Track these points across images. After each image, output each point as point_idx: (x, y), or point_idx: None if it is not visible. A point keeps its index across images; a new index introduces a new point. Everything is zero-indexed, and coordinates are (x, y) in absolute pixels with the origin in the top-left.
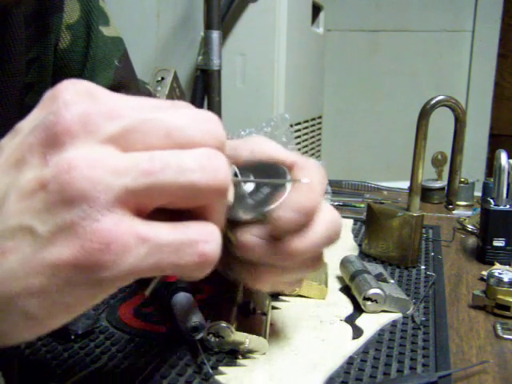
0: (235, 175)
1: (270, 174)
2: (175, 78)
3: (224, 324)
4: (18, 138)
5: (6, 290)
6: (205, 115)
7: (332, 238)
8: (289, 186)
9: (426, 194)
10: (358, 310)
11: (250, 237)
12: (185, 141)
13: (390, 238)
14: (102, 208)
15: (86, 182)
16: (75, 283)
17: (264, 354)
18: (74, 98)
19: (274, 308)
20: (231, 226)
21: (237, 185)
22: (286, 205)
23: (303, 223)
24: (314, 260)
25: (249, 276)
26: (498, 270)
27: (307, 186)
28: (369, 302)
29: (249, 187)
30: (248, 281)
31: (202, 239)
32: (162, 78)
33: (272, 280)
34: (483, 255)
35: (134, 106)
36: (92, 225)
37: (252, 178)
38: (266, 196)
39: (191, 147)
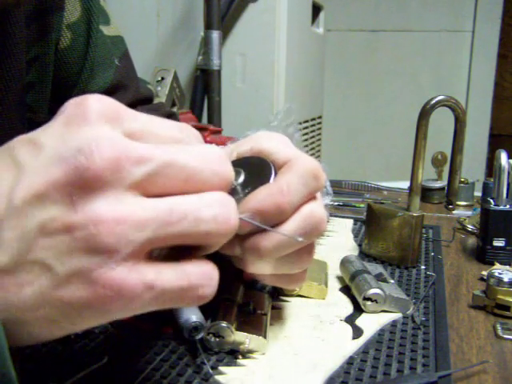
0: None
1: (257, 171)
2: (175, 78)
3: (224, 324)
4: (42, 162)
5: (19, 316)
6: (215, 155)
7: (309, 234)
8: (272, 178)
9: (426, 194)
10: (358, 310)
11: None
12: (200, 184)
13: (390, 238)
14: (120, 259)
15: (112, 237)
16: (85, 316)
17: (264, 353)
18: (104, 130)
19: (273, 308)
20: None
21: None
22: (242, 207)
23: (261, 224)
24: (303, 253)
25: (239, 263)
26: (498, 270)
27: (277, 187)
28: (369, 302)
29: (239, 179)
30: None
31: (203, 284)
32: (162, 78)
33: (262, 270)
34: (483, 255)
35: (158, 141)
36: (107, 272)
37: (243, 173)
38: (245, 196)
39: (204, 190)
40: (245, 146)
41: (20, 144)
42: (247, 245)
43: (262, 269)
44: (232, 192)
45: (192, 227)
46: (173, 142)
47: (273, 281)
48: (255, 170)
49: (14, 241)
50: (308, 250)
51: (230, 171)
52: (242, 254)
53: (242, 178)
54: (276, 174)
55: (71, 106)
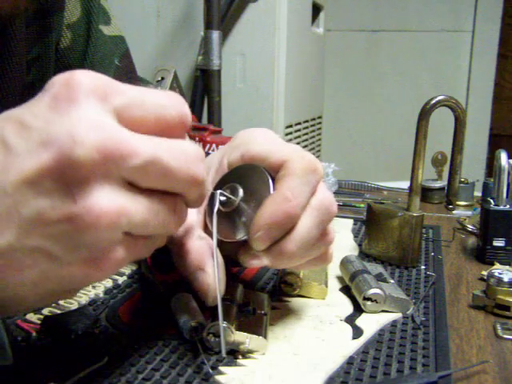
0: (226, 201)
1: (254, 182)
2: (175, 77)
3: (224, 324)
4: (31, 146)
5: (18, 293)
6: (194, 155)
7: (326, 220)
8: (272, 186)
9: (426, 194)
10: (358, 310)
11: (250, 260)
12: (175, 183)
13: (390, 238)
14: (113, 242)
15: (109, 229)
16: (83, 287)
17: (264, 353)
18: (92, 112)
19: (273, 308)
20: (230, 245)
21: (227, 205)
22: (257, 225)
23: (280, 234)
24: (325, 236)
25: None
26: (498, 270)
27: (281, 196)
28: (369, 302)
29: (239, 195)
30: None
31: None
32: (162, 78)
33: (292, 265)
34: (483, 255)
35: (140, 121)
36: (105, 253)
37: (240, 188)
38: (252, 211)
39: (177, 186)
40: (234, 154)
41: (7, 123)
42: (273, 254)
43: (291, 264)
44: (237, 209)
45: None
46: (161, 112)
47: (303, 267)
48: (251, 181)
49: (11, 226)
50: (327, 231)
51: (202, 171)
52: (270, 263)
53: (241, 193)
54: (273, 180)
55: (58, 84)
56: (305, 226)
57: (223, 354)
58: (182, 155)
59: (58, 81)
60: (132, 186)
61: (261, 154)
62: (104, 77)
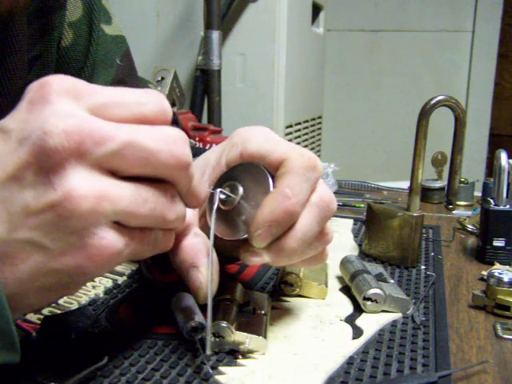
0: (226, 199)
1: (254, 180)
2: (175, 77)
3: (224, 324)
4: (11, 146)
5: (15, 289)
6: (174, 137)
7: (326, 217)
8: (271, 184)
9: (426, 194)
10: (358, 310)
11: (251, 258)
12: (158, 165)
13: (390, 238)
14: (99, 228)
15: (92, 214)
16: (79, 281)
17: (264, 353)
18: (63, 107)
19: (273, 308)
20: (225, 243)
21: (227, 203)
22: (257, 223)
23: (280, 231)
24: (323, 234)
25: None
26: (498, 270)
27: (281, 194)
28: (369, 302)
29: (239, 193)
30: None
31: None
32: (162, 78)
33: (290, 263)
34: (483, 255)
35: (118, 119)
36: (96, 239)
37: (240, 186)
38: (252, 210)
39: (162, 171)
40: (233, 152)
41: None
42: (274, 251)
43: (290, 262)
44: (237, 208)
45: (151, 210)
46: (139, 107)
47: (299, 265)
48: (251, 179)
49: (0, 222)
50: (326, 230)
51: (187, 153)
52: (271, 259)
53: (241, 191)
54: (273, 178)
55: (33, 89)
56: (305, 223)
57: (208, 351)
58: (162, 137)
59: (34, 86)
60: (114, 174)
61: (260, 152)
62: (78, 80)
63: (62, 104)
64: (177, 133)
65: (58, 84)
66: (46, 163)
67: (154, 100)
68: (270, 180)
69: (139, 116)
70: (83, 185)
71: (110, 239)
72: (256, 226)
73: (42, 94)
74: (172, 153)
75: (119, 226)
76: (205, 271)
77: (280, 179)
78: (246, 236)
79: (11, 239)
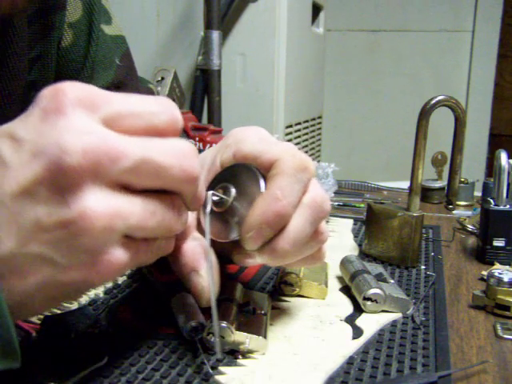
0: (219, 201)
1: (246, 181)
2: (175, 77)
3: (224, 324)
4: (24, 158)
5: (21, 299)
6: (186, 151)
7: (318, 218)
8: (262, 185)
9: (426, 194)
10: (358, 310)
11: (244, 259)
12: (168, 179)
13: (390, 238)
14: (110, 245)
15: (105, 232)
16: (83, 291)
17: (264, 353)
18: (79, 121)
19: (273, 308)
20: (225, 243)
21: (220, 205)
22: (248, 225)
23: (272, 233)
24: (317, 234)
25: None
26: (498, 270)
27: (271, 195)
28: (369, 302)
29: (231, 194)
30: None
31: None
32: (162, 78)
33: (285, 263)
34: (483, 255)
35: (131, 131)
36: (104, 257)
37: (232, 188)
38: (244, 211)
39: (171, 184)
40: (227, 153)
41: (0, 138)
42: (267, 252)
43: (284, 262)
44: (230, 209)
45: (160, 228)
46: (151, 118)
47: (296, 265)
48: (243, 180)
49: (11, 235)
50: (320, 229)
51: (196, 166)
52: (264, 261)
53: (233, 193)
54: (265, 179)
55: (46, 96)
56: (297, 225)
57: (219, 355)
58: (174, 152)
59: (47, 94)
60: (126, 189)
61: (252, 152)
62: (92, 87)
63: (77, 117)
64: (187, 147)
65: (72, 92)
66: (62, 181)
67: (166, 111)
68: (262, 181)
69: (151, 127)
70: (98, 204)
71: (118, 255)
72: (247, 229)
73: (56, 103)
74: (182, 167)
75: (126, 238)
76: (205, 275)
77: (271, 181)
78: (238, 238)
79: (21, 253)
